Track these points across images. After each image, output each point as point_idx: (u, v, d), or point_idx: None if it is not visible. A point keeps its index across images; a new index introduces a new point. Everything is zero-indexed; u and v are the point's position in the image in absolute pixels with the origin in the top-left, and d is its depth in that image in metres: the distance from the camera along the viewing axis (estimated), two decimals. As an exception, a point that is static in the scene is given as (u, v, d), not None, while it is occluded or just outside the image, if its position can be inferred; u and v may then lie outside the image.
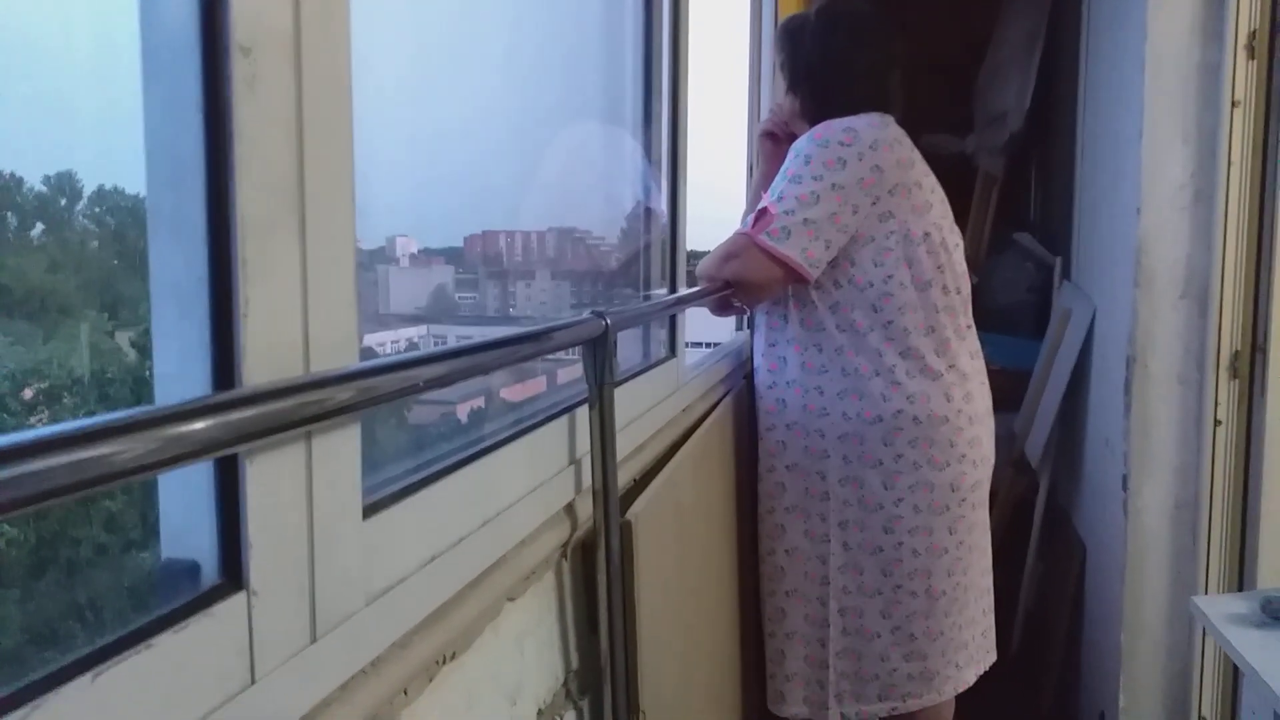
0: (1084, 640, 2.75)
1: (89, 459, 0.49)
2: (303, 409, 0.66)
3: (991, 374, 2.11)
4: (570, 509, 1.23)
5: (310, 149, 0.72)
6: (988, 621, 2.14)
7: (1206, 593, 2.12)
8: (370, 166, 0.93)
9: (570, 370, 1.51)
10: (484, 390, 1.51)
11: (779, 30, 2.16)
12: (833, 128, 1.90)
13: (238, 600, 0.66)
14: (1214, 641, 1.97)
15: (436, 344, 1.52)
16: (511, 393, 1.60)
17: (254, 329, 0.67)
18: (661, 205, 1.97)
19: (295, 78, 0.71)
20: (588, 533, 1.25)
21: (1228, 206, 2.09)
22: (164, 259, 0.69)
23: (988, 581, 2.12)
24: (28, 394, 0.80)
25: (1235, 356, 2.11)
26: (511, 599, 1.07)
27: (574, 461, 1.26)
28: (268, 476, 0.69)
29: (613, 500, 1.22)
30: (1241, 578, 2.12)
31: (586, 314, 1.18)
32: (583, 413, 1.25)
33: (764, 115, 2.56)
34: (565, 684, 1.22)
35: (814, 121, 1.97)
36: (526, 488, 1.13)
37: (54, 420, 0.80)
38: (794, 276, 1.88)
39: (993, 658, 2.15)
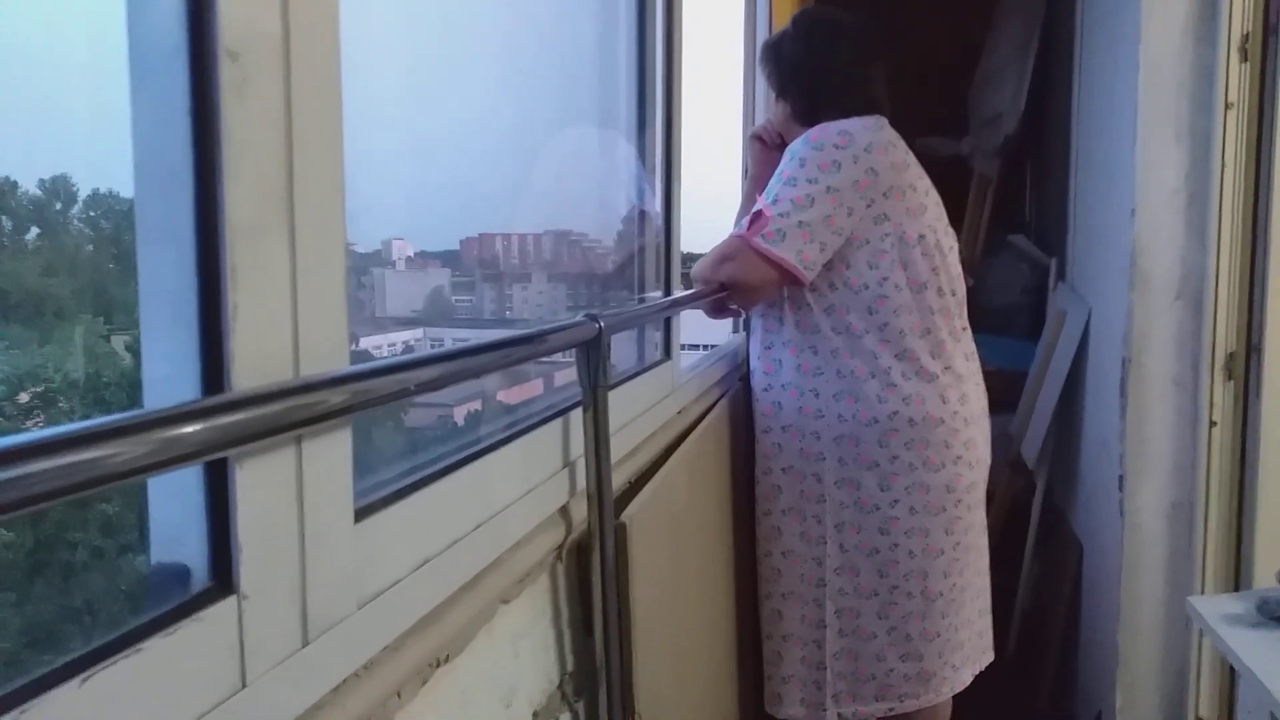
0: (1080, 640, 2.75)
1: (78, 463, 0.49)
2: (292, 412, 0.66)
3: (987, 375, 2.11)
4: (565, 511, 1.23)
5: (300, 154, 0.72)
6: (984, 622, 2.14)
7: (1203, 593, 2.12)
8: (366, 169, 0.93)
9: (567, 373, 1.51)
10: (480, 393, 1.51)
11: (761, 50, 2.18)
12: (828, 130, 1.91)
13: (228, 604, 0.66)
14: (1210, 642, 1.97)
15: (433, 347, 1.52)
16: (509, 395, 1.60)
17: (243, 334, 0.67)
18: (656, 208, 1.97)
19: (284, 82, 0.71)
20: (582, 535, 1.25)
21: (1222, 208, 2.09)
22: (153, 264, 0.69)
23: (984, 582, 2.12)
24: (24, 398, 0.80)
25: (1230, 358, 2.12)
26: (506, 601, 1.07)
27: (568, 464, 1.26)
28: (258, 480, 0.69)
29: (607, 503, 1.22)
30: (1238, 578, 2.12)
31: (580, 317, 1.18)
32: (577, 415, 1.26)
33: (758, 119, 2.57)
34: (560, 686, 1.22)
35: (807, 124, 1.97)
36: (521, 490, 1.13)
37: (50, 424, 0.80)
38: (789, 279, 1.89)
39: (990, 658, 2.15)
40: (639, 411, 1.58)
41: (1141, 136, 2.15)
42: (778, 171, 1.92)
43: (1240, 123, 2.07)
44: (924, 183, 1.98)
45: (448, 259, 1.58)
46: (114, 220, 0.85)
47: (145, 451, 0.53)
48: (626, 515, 1.30)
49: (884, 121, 1.98)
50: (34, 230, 0.83)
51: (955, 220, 2.11)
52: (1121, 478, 2.23)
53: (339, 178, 0.77)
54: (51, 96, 0.74)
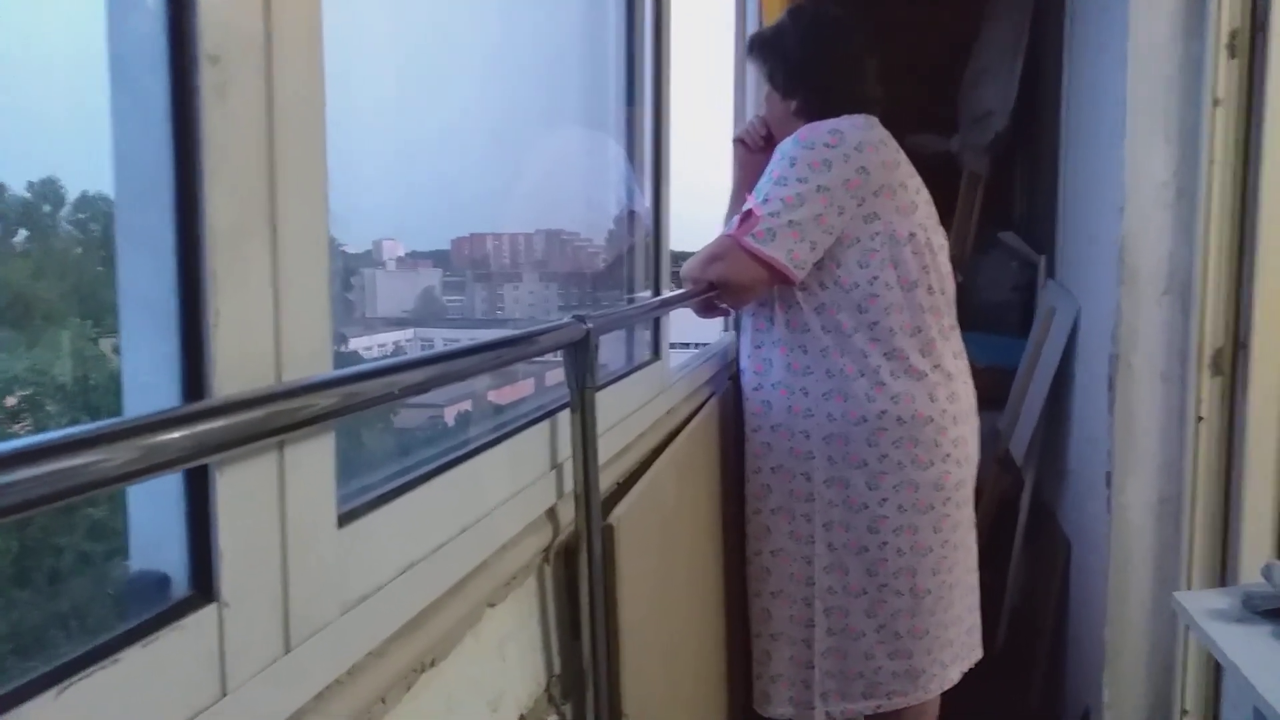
0: (1069, 637, 2.76)
1: (58, 471, 0.49)
2: (274, 418, 0.65)
3: (976, 372, 2.11)
4: (552, 513, 1.22)
5: (281, 158, 0.72)
6: (973, 619, 2.14)
7: (1189, 588, 2.13)
8: (356, 170, 0.93)
9: (557, 372, 1.51)
10: (471, 394, 1.51)
11: (751, 44, 2.16)
12: (818, 129, 1.91)
13: (209, 612, 0.66)
14: (1196, 637, 1.98)
15: (424, 347, 1.52)
16: (500, 395, 1.60)
17: (224, 340, 0.67)
18: (645, 207, 1.97)
19: (266, 86, 0.70)
20: (570, 537, 1.25)
21: (1210, 204, 2.09)
22: (133, 270, 0.69)
23: (973, 580, 2.13)
24: (10, 401, 0.80)
25: (1217, 353, 2.12)
26: (492, 605, 1.06)
27: (556, 466, 1.26)
28: (239, 486, 0.68)
29: (594, 504, 1.21)
30: (1224, 573, 2.13)
31: (567, 318, 1.18)
32: (564, 417, 1.25)
33: (749, 117, 2.57)
34: (547, 689, 1.22)
35: (813, 119, 1.97)
36: (508, 493, 1.12)
37: (37, 428, 0.79)
38: (779, 278, 1.88)
39: (978, 655, 2.16)
40: (628, 412, 1.58)
41: (1130, 133, 2.16)
42: (768, 170, 1.92)
43: (1228, 119, 2.07)
44: (914, 181, 1.98)
45: (438, 259, 1.58)
46: (102, 223, 0.84)
47: (126, 459, 0.53)
48: (614, 516, 1.30)
49: (874, 120, 1.98)
50: (22, 233, 0.82)
51: (945, 217, 2.11)
52: (1109, 474, 2.23)
53: (322, 181, 0.77)
54: (39, 98, 0.74)
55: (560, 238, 1.94)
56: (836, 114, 1.95)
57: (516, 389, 1.63)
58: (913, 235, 1.92)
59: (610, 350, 1.75)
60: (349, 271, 1.28)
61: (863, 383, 1.92)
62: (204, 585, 0.67)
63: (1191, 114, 2.11)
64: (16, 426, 0.80)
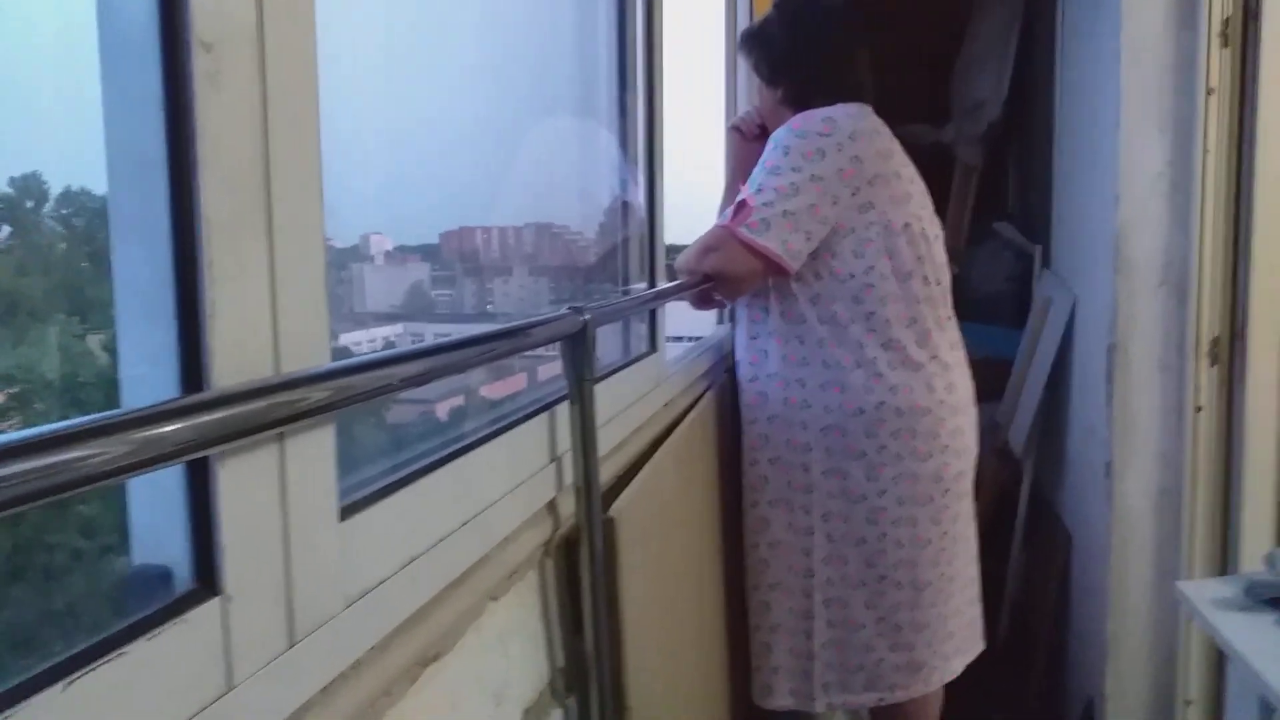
0: (1070, 628, 2.76)
1: (55, 464, 0.48)
2: (274, 410, 0.64)
3: (973, 364, 2.11)
4: (552, 506, 1.22)
5: (276, 146, 0.71)
6: (974, 611, 2.14)
7: (1191, 578, 2.13)
8: (344, 163, 0.92)
9: (551, 366, 1.50)
10: (464, 388, 1.50)
11: (741, 39, 2.17)
12: (811, 118, 1.90)
13: (212, 605, 0.65)
14: (1199, 626, 1.98)
15: (413, 343, 1.51)
16: (492, 390, 1.59)
17: (221, 331, 0.66)
18: (639, 199, 1.96)
19: (259, 73, 0.70)
20: (570, 530, 1.24)
21: (1205, 194, 2.09)
22: (128, 260, 0.68)
23: (973, 571, 2.12)
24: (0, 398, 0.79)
25: (1214, 343, 2.12)
26: (494, 598, 1.05)
27: (555, 459, 1.25)
28: (240, 479, 0.67)
29: (595, 497, 1.21)
30: (1225, 562, 2.13)
31: (565, 309, 1.17)
32: (563, 409, 1.24)
33: (741, 107, 2.56)
34: (551, 683, 1.21)
35: (798, 108, 1.96)
36: (507, 486, 1.11)
37: (26, 425, 0.78)
38: (774, 269, 1.88)
39: (981, 647, 2.15)
40: (625, 404, 1.57)
41: (1124, 123, 2.16)
42: (761, 160, 1.91)
43: (1222, 108, 2.08)
44: (909, 170, 1.98)
45: (427, 253, 1.56)
46: (87, 218, 0.83)
47: (124, 452, 0.52)
48: (615, 509, 1.29)
49: (868, 109, 1.97)
50: (5, 229, 0.81)
51: (939, 208, 2.11)
52: (1109, 464, 2.23)
53: (316, 169, 0.76)
54: (21, 91, 0.73)
55: (551, 231, 1.93)
56: (822, 102, 1.95)
57: (508, 384, 1.62)
58: (907, 225, 1.91)
59: (605, 345, 1.75)
60: (337, 266, 1.27)
61: (860, 374, 1.91)
62: (207, 579, 0.66)
63: (1185, 103, 2.11)
64: (3, 425, 0.79)
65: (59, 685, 0.54)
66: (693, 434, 1.85)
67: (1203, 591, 1.67)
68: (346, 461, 0.82)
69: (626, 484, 1.42)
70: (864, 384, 1.91)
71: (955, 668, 2.07)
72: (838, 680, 2.02)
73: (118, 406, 0.69)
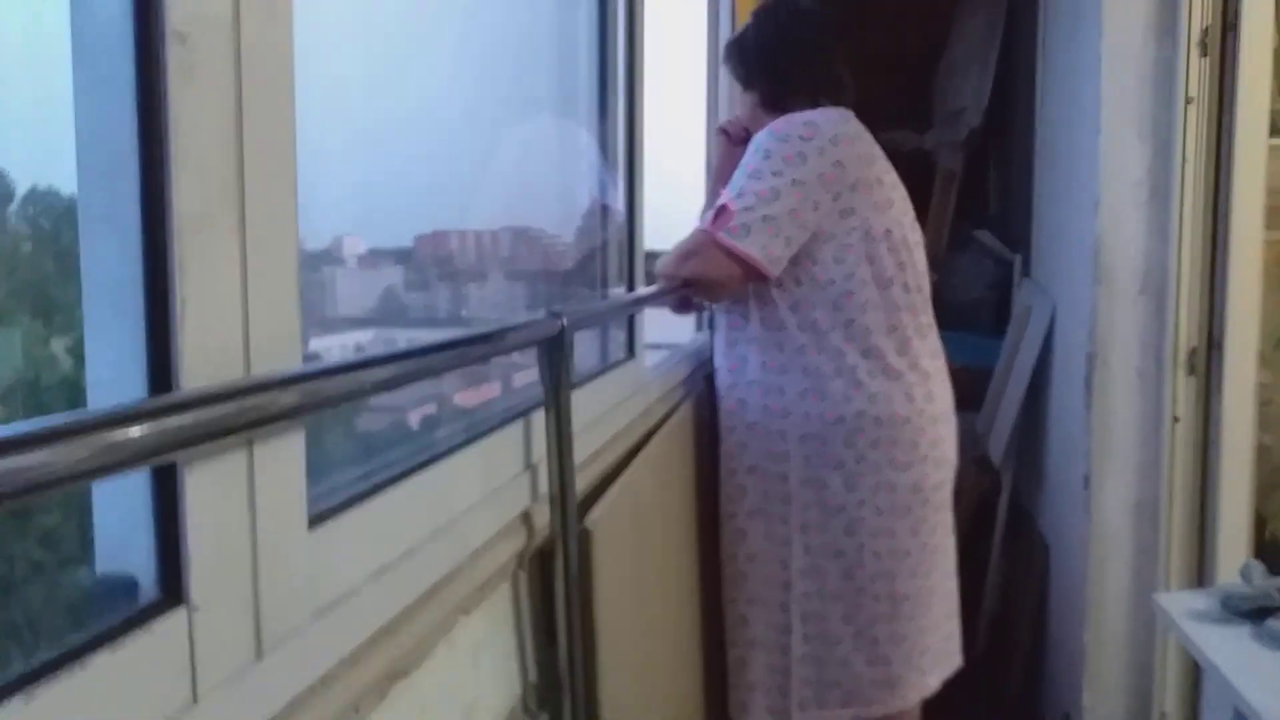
0: (1048, 640, 2.76)
1: (16, 468, 0.46)
2: (244, 414, 0.62)
3: (952, 372, 2.10)
4: (526, 517, 1.19)
5: (250, 141, 0.69)
6: (952, 625, 2.12)
7: (1168, 589, 2.13)
8: (316, 163, 0.90)
9: (526, 374, 1.48)
10: (437, 396, 1.48)
11: (724, 51, 2.17)
12: (793, 122, 1.89)
13: (178, 616, 0.63)
14: (1176, 638, 1.98)
15: (386, 349, 1.48)
16: (466, 398, 1.57)
17: (192, 330, 0.64)
18: (619, 203, 1.94)
19: (235, 67, 0.68)
20: (545, 541, 1.22)
21: (1183, 202, 2.10)
22: (97, 257, 0.66)
23: (952, 584, 2.10)
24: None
25: (1192, 353, 2.13)
26: (466, 612, 1.03)
27: (530, 467, 1.23)
28: (208, 485, 0.65)
29: (570, 507, 1.18)
30: (1202, 573, 2.13)
31: (542, 314, 1.15)
32: (538, 417, 1.22)
33: (722, 111, 2.56)
34: (523, 698, 1.19)
35: (775, 113, 1.95)
36: (480, 495, 1.10)
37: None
38: (754, 274, 1.86)
39: (957, 663, 2.12)
40: (602, 412, 1.55)
41: (1104, 130, 2.17)
42: (742, 164, 1.90)
43: (1201, 117, 2.09)
44: (891, 176, 1.97)
45: (401, 257, 1.54)
46: (53, 218, 0.81)
47: (87, 455, 0.50)
48: (590, 520, 1.27)
49: (849, 114, 1.96)
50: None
51: (919, 215, 2.10)
52: (1087, 476, 2.23)
53: (291, 166, 0.74)
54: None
55: (529, 235, 1.91)
56: (798, 103, 1.94)
57: (481, 392, 1.60)
58: (889, 231, 1.90)
59: (583, 351, 1.73)
60: (308, 269, 1.25)
61: (840, 382, 1.90)
62: (173, 588, 0.64)
63: (1165, 112, 2.12)
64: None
65: (20, 698, 0.53)
66: (670, 443, 1.83)
67: (1179, 604, 1.67)
68: (315, 472, 0.80)
69: (602, 493, 1.40)
70: (843, 392, 1.90)
71: (932, 684, 2.05)
72: (814, 696, 1.99)
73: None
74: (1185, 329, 2.13)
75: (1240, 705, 1.41)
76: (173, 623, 0.63)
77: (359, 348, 1.40)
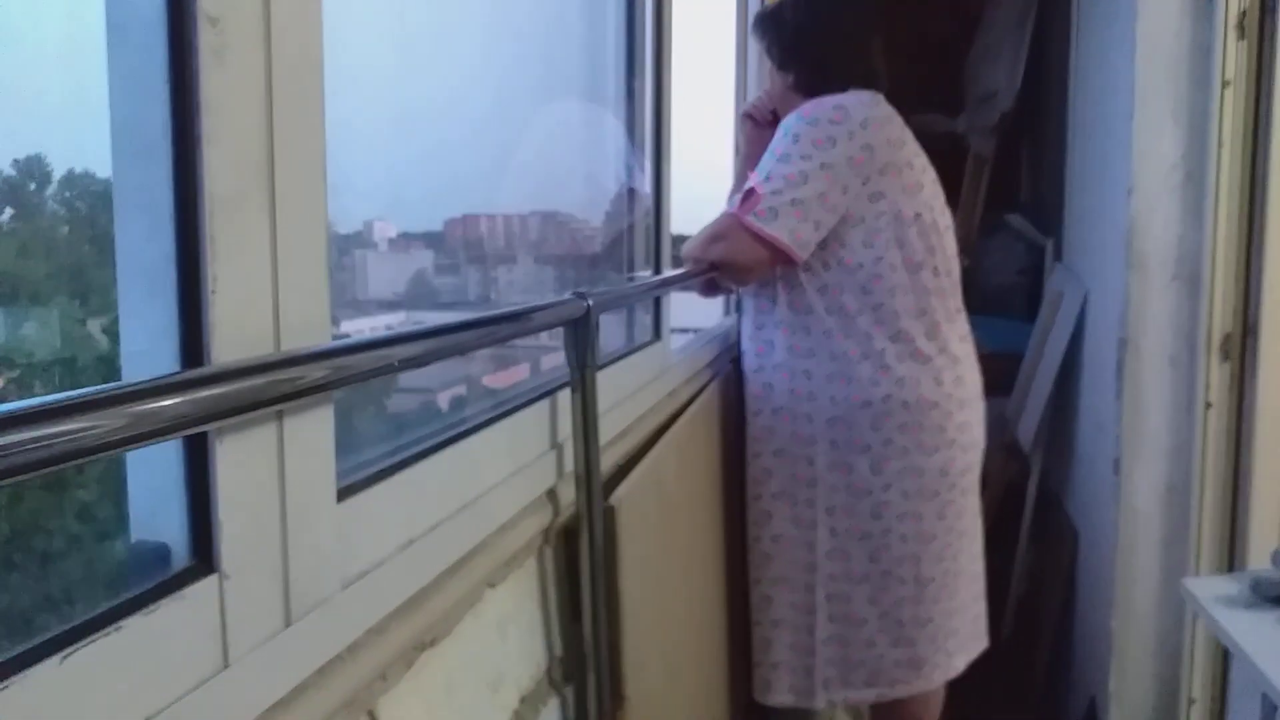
0: (1075, 625, 2.75)
1: (53, 435, 0.47)
2: (274, 387, 0.64)
3: (982, 358, 2.09)
4: (552, 494, 1.21)
5: (280, 123, 0.70)
6: (979, 608, 2.12)
7: (1197, 575, 2.12)
8: (347, 148, 0.91)
9: (553, 357, 1.49)
10: (465, 378, 1.49)
11: (756, 21, 2.15)
12: (822, 105, 1.88)
13: (209, 583, 0.65)
14: (1204, 624, 1.97)
15: (415, 330, 1.50)
16: (495, 380, 1.58)
17: (222, 307, 0.66)
18: (645, 187, 1.95)
19: (265, 49, 0.69)
20: (570, 518, 1.24)
21: (1219, 187, 2.08)
22: (131, 235, 0.68)
23: (978, 567, 2.11)
24: (-1, 382, 0.79)
25: (1226, 338, 2.11)
26: (492, 585, 1.05)
27: (555, 446, 1.25)
28: (239, 457, 0.67)
29: (595, 485, 1.20)
30: (1232, 559, 2.11)
31: (568, 295, 1.16)
32: (564, 396, 1.24)
33: (751, 93, 2.55)
34: (548, 671, 1.21)
35: (808, 97, 1.95)
36: (507, 472, 1.11)
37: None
38: (782, 258, 1.86)
39: (984, 645, 2.13)
40: (628, 393, 1.56)
41: (1138, 114, 2.14)
42: (770, 147, 1.90)
43: (1237, 101, 2.06)
44: (920, 160, 1.96)
45: (431, 240, 1.56)
46: (90, 201, 0.83)
47: (122, 424, 0.52)
48: (615, 498, 1.28)
49: (879, 97, 1.96)
50: (8, 211, 0.81)
51: (950, 199, 2.09)
52: (1117, 460, 2.22)
53: (320, 147, 0.75)
54: (25, 74, 0.73)
55: (556, 219, 1.92)
56: (833, 88, 1.94)
57: (511, 374, 1.62)
58: (918, 215, 1.90)
59: (608, 335, 1.74)
60: (340, 252, 1.27)
61: (867, 366, 1.90)
62: (204, 556, 0.66)
63: (1200, 95, 2.10)
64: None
65: (56, 658, 0.54)
66: (696, 424, 1.84)
67: (1208, 588, 1.66)
68: (344, 451, 0.82)
69: (628, 473, 1.41)
70: (871, 376, 1.90)
71: (958, 665, 2.06)
72: (839, 676, 2.00)
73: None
74: (1219, 314, 2.11)
75: (1268, 690, 1.40)
76: (204, 589, 0.65)
77: (389, 329, 1.42)
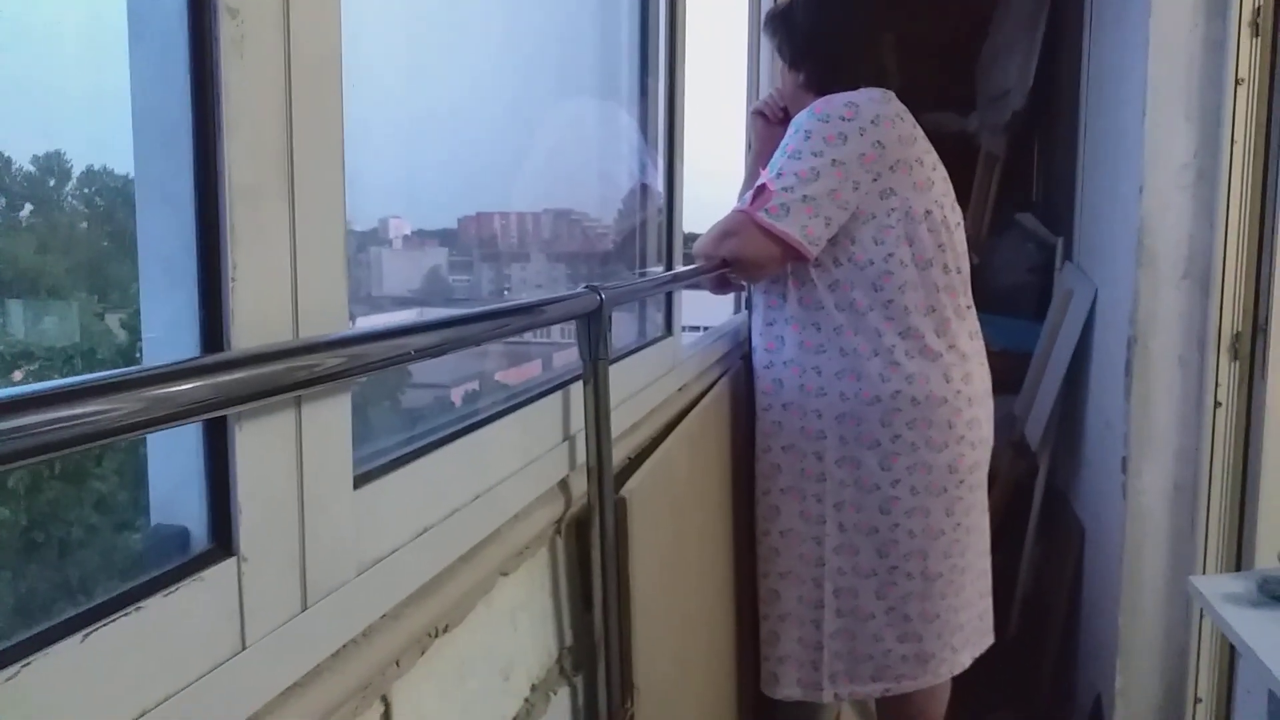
0: (1082, 622, 2.76)
1: (76, 416, 0.49)
2: (292, 373, 0.65)
3: (992, 356, 2.09)
4: (564, 485, 1.22)
5: (299, 114, 0.71)
6: (985, 604, 2.13)
7: (1204, 573, 2.12)
8: (363, 146, 0.92)
9: (566, 355, 1.50)
10: (479, 373, 1.51)
11: (766, 21, 2.16)
12: (834, 102, 1.89)
13: (228, 565, 0.66)
14: (1211, 622, 1.97)
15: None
16: (509, 376, 1.60)
17: (242, 295, 0.67)
18: (658, 184, 1.95)
19: (284, 41, 0.70)
20: (582, 509, 1.25)
21: (1230, 186, 2.08)
22: (152, 224, 0.69)
23: (985, 564, 2.11)
24: (18, 375, 0.80)
25: (1236, 338, 2.11)
26: (505, 574, 1.06)
27: (568, 438, 1.26)
28: (258, 442, 0.68)
29: (607, 476, 1.21)
30: (1239, 558, 2.12)
31: (581, 288, 1.17)
32: (577, 389, 1.25)
33: (763, 92, 2.55)
34: (559, 660, 1.22)
35: (819, 95, 1.95)
36: (520, 463, 1.12)
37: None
38: (793, 255, 1.87)
39: (989, 641, 2.14)
40: (639, 387, 1.57)
41: (1150, 113, 2.14)
42: (782, 144, 1.90)
43: (1250, 99, 2.06)
44: (931, 157, 1.96)
45: (445, 238, 1.57)
46: (108, 197, 0.84)
47: (142, 407, 0.53)
48: (626, 490, 1.29)
49: (891, 94, 1.96)
50: (28, 207, 0.82)
51: (961, 197, 2.10)
52: (1125, 459, 2.22)
53: (338, 138, 0.76)
54: (46, 71, 0.74)
55: (570, 217, 1.93)
56: (843, 87, 1.94)
57: (524, 371, 1.63)
58: (929, 212, 1.90)
59: (620, 331, 1.75)
60: (356, 249, 1.28)
61: (876, 362, 1.91)
62: (223, 539, 0.67)
63: (1213, 94, 2.10)
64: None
65: (78, 636, 0.55)
66: (706, 419, 1.85)
67: (1215, 586, 1.67)
68: (360, 444, 0.83)
69: (638, 466, 1.42)
70: (880, 372, 1.91)
71: (964, 660, 2.07)
72: (845, 670, 2.01)
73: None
74: (1230, 314, 2.11)
75: (1275, 689, 1.41)
76: (223, 572, 0.65)
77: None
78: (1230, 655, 2.14)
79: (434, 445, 0.96)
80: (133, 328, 0.72)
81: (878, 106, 1.88)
